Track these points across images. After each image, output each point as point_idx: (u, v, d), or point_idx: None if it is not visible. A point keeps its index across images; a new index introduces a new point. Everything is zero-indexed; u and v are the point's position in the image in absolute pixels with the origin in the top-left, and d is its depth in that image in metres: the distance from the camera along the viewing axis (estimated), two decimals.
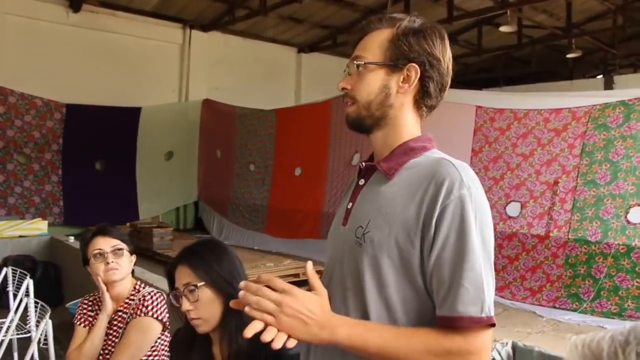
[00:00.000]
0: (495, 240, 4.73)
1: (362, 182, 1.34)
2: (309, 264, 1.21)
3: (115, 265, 2.29)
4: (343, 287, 1.27)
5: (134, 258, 2.40)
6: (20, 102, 8.32)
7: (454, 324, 1.11)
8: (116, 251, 2.30)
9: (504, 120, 5.97)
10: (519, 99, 6.33)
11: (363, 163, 1.36)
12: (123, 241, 2.34)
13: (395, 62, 1.26)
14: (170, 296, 1.72)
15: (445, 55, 1.30)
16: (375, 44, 1.28)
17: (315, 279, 1.20)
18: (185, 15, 10.04)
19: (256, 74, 11.19)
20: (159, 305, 2.27)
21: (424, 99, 1.30)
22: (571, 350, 0.69)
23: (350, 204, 1.33)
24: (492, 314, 1.13)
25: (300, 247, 7.54)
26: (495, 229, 5.66)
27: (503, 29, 10.06)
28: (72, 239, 6.75)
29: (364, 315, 1.21)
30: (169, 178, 9.81)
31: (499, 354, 2.16)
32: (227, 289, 1.68)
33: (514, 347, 2.12)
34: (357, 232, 1.25)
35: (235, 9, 9.80)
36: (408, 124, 1.31)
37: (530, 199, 5.69)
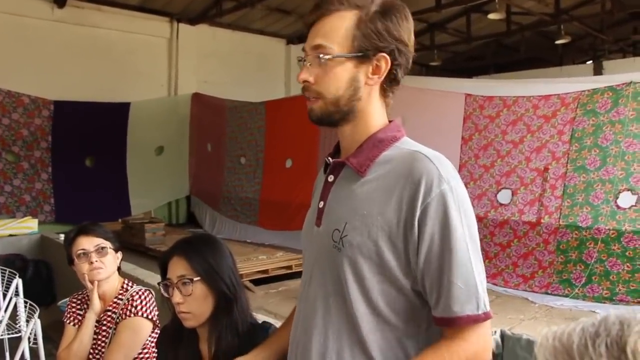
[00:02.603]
0: (487, 227, 4.77)
1: (331, 178, 1.27)
2: None
3: (100, 264, 2.27)
4: (325, 292, 1.22)
5: (119, 255, 2.38)
6: (7, 100, 8.24)
7: (452, 325, 1.10)
8: (99, 250, 2.28)
9: (493, 108, 5.97)
10: (508, 86, 6.33)
11: (329, 158, 1.29)
12: (107, 239, 2.32)
13: (364, 52, 1.17)
14: (161, 286, 1.70)
15: (411, 36, 1.22)
16: (341, 31, 1.17)
17: None
18: (172, 8, 9.95)
19: (245, 66, 11.13)
20: (148, 304, 2.25)
21: (391, 86, 1.24)
22: (542, 343, 0.68)
23: (322, 202, 1.27)
24: (488, 308, 1.13)
25: (292, 239, 7.53)
26: (486, 217, 5.70)
27: (492, 16, 10.04)
28: (62, 236, 6.69)
29: (349, 320, 1.18)
30: (160, 173, 9.76)
31: None
32: (220, 286, 1.66)
33: (503, 336, 2.11)
34: (334, 235, 1.19)
35: (223, 1, 9.73)
36: (376, 113, 1.24)
37: (521, 186, 5.70)
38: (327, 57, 1.17)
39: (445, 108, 6.20)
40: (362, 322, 1.16)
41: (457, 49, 13.74)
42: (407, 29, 1.20)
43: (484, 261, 4.92)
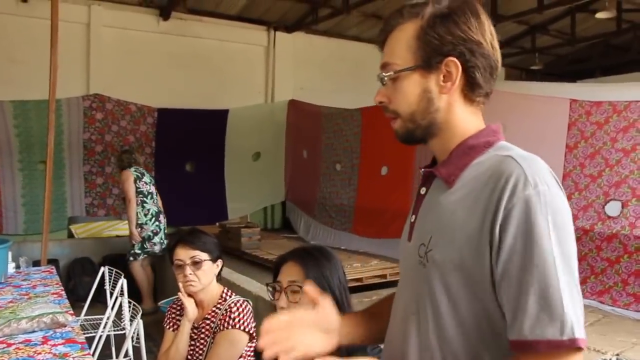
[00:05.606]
0: (593, 241, 4.48)
1: (423, 190, 1.21)
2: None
3: (193, 277, 2.32)
4: (405, 312, 1.15)
5: (219, 263, 2.42)
6: (116, 108, 8.73)
7: (528, 350, 0.95)
8: (194, 263, 2.33)
9: (601, 114, 5.61)
10: (619, 90, 5.92)
11: (422, 169, 1.23)
12: (204, 250, 2.37)
13: (428, 61, 1.11)
14: (268, 287, 1.69)
15: (486, 33, 1.12)
16: (402, 45, 1.13)
17: None
18: (269, 17, 10.17)
19: (341, 72, 11.17)
20: (245, 317, 2.28)
21: (473, 91, 1.14)
22: None
23: (414, 217, 1.20)
24: (578, 335, 0.94)
25: (387, 247, 7.44)
26: (592, 230, 5.36)
27: (600, 15, 9.47)
28: None
29: (425, 343, 1.09)
30: (256, 178, 9.97)
31: None
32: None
33: None
34: (420, 250, 1.12)
35: (319, 9, 9.83)
36: (463, 121, 1.15)
37: (633, 197, 5.31)
38: (389, 74, 1.14)
39: (548, 114, 5.90)
40: (441, 339, 1.07)
41: (560, 51, 13.10)
42: (477, 26, 1.11)
43: (589, 277, 4.58)
